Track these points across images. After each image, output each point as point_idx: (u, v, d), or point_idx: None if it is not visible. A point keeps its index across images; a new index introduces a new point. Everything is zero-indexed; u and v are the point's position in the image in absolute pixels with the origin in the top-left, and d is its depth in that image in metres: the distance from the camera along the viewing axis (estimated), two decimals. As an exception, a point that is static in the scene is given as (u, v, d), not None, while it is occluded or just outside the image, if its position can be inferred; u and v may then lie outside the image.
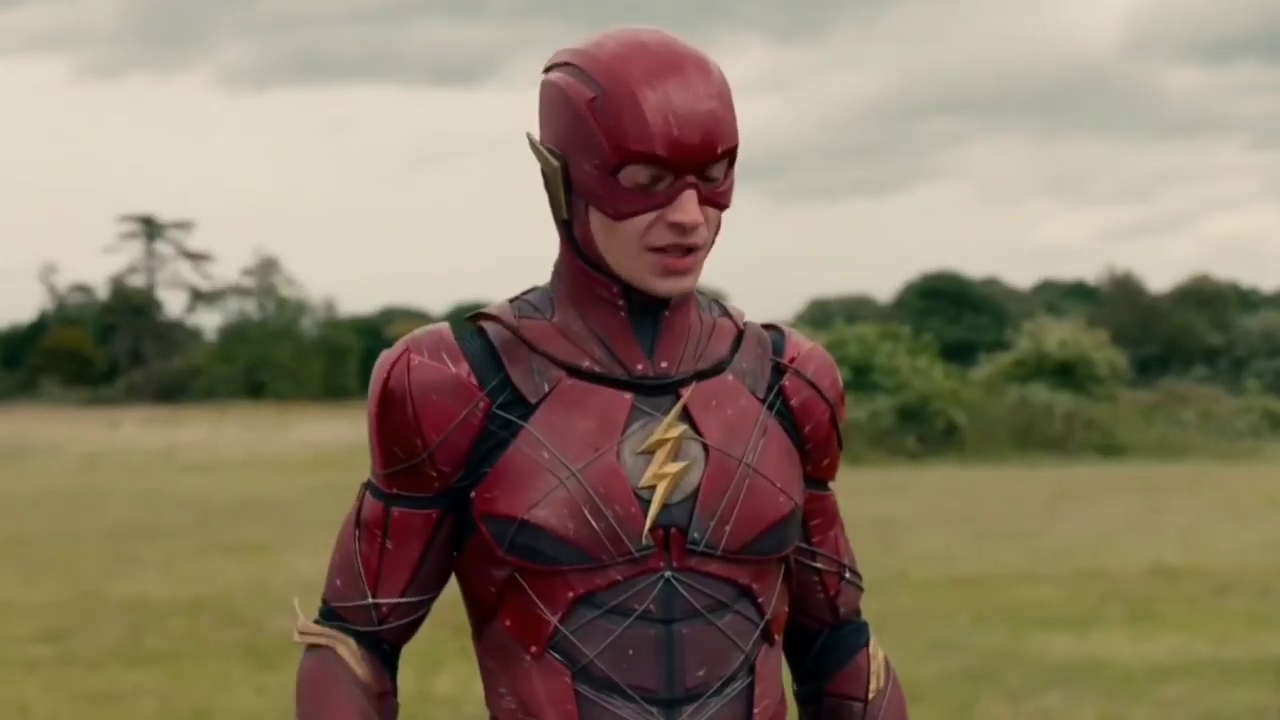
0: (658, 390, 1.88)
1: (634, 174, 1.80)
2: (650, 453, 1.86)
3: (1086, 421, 31.88)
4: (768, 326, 2.01)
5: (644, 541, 1.85)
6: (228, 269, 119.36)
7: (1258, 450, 31.88)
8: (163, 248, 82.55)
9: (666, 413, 1.87)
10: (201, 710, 8.04)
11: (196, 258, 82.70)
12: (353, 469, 17.30)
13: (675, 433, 1.86)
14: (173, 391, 70.88)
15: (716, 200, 1.84)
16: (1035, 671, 8.87)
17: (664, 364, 1.89)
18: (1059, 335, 34.96)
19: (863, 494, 20.59)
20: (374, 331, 67.96)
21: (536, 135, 1.89)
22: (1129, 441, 31.49)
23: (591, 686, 1.87)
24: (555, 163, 1.85)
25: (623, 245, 1.83)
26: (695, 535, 1.86)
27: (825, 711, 2.09)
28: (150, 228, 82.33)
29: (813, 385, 1.96)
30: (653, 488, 1.85)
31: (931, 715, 7.80)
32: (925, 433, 30.58)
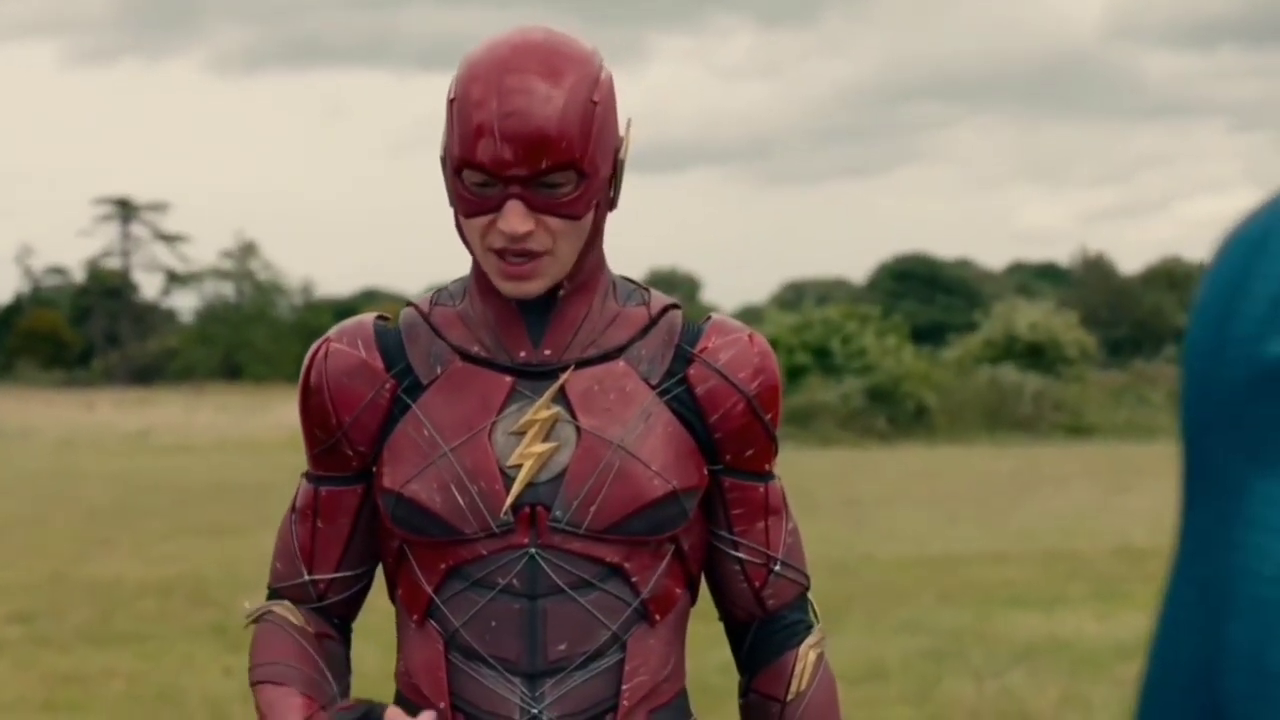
0: (540, 375, 1.96)
1: (469, 177, 1.88)
2: (522, 433, 1.95)
3: (1055, 402, 31.99)
4: (707, 319, 2.05)
5: (504, 517, 1.93)
6: (206, 252, 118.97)
7: (1227, 431, 31.90)
8: (138, 230, 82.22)
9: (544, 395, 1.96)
10: (169, 690, 8.08)
11: (172, 240, 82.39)
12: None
13: (546, 414, 1.95)
14: (148, 374, 70.72)
15: (558, 210, 1.88)
16: (1000, 650, 8.94)
17: (548, 351, 1.97)
18: (1029, 317, 35.04)
19: (832, 475, 20.67)
20: (352, 314, 67.60)
21: None
22: (1098, 422, 31.62)
23: (461, 655, 1.97)
24: (441, 152, 1.95)
25: (473, 241, 1.93)
26: (558, 514, 1.94)
27: (751, 706, 2.13)
28: (125, 210, 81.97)
29: (721, 374, 1.99)
30: (519, 466, 1.94)
31: (895, 694, 7.87)
32: (895, 414, 30.65)
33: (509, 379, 1.96)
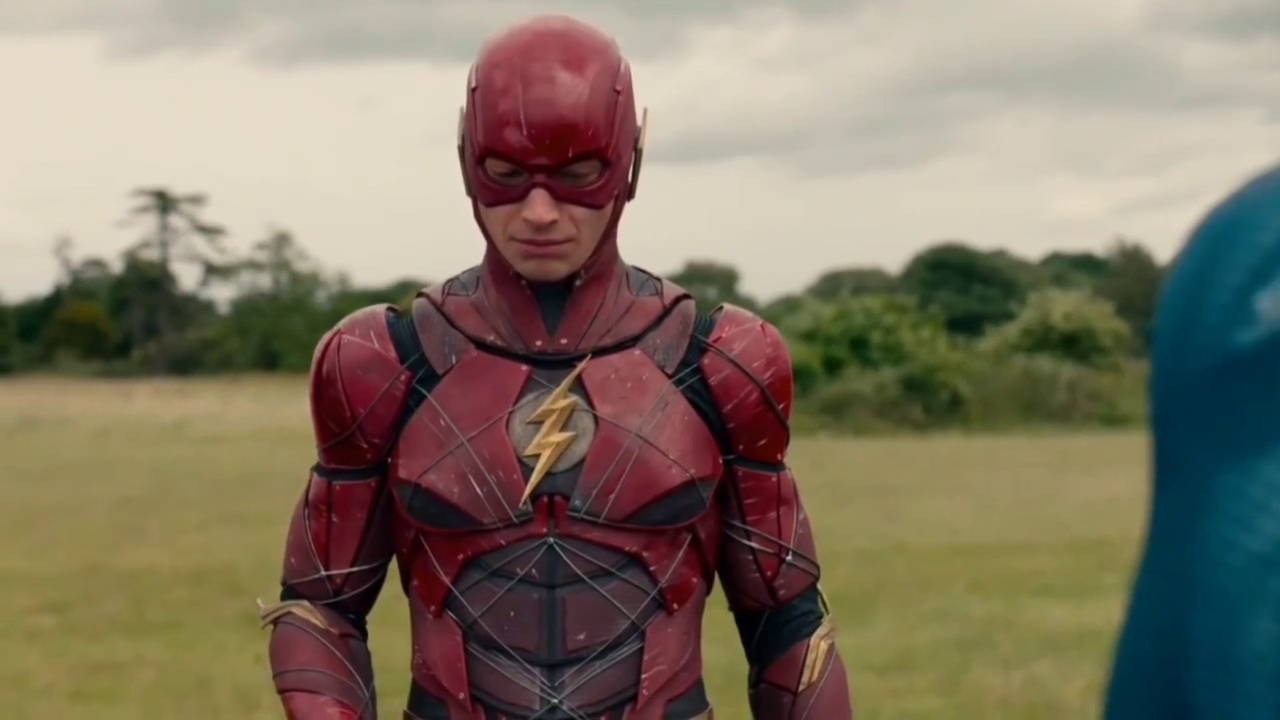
0: (556, 364, 1.95)
1: (493, 166, 1.87)
2: (539, 423, 1.93)
3: (1090, 392, 31.87)
4: (719, 310, 2.05)
5: (523, 507, 1.92)
6: (244, 243, 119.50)
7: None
8: (176, 221, 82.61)
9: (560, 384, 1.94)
10: (199, 679, 8.11)
11: (210, 231, 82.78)
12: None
13: (564, 403, 1.93)
14: (186, 364, 71.12)
15: (581, 199, 1.87)
16: (1028, 639, 8.91)
17: (564, 340, 1.95)
18: (1064, 307, 34.91)
19: (866, 465, 20.65)
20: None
21: None
22: (1132, 412, 31.47)
23: (480, 646, 1.95)
24: (459, 141, 1.93)
25: (494, 230, 1.91)
26: (576, 503, 1.92)
27: (761, 697, 2.13)
28: (163, 201, 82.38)
29: (736, 364, 1.99)
30: (538, 456, 1.92)
31: (924, 683, 7.85)
32: (930, 404, 30.60)
33: (525, 368, 1.94)
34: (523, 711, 1.93)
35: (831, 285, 61.12)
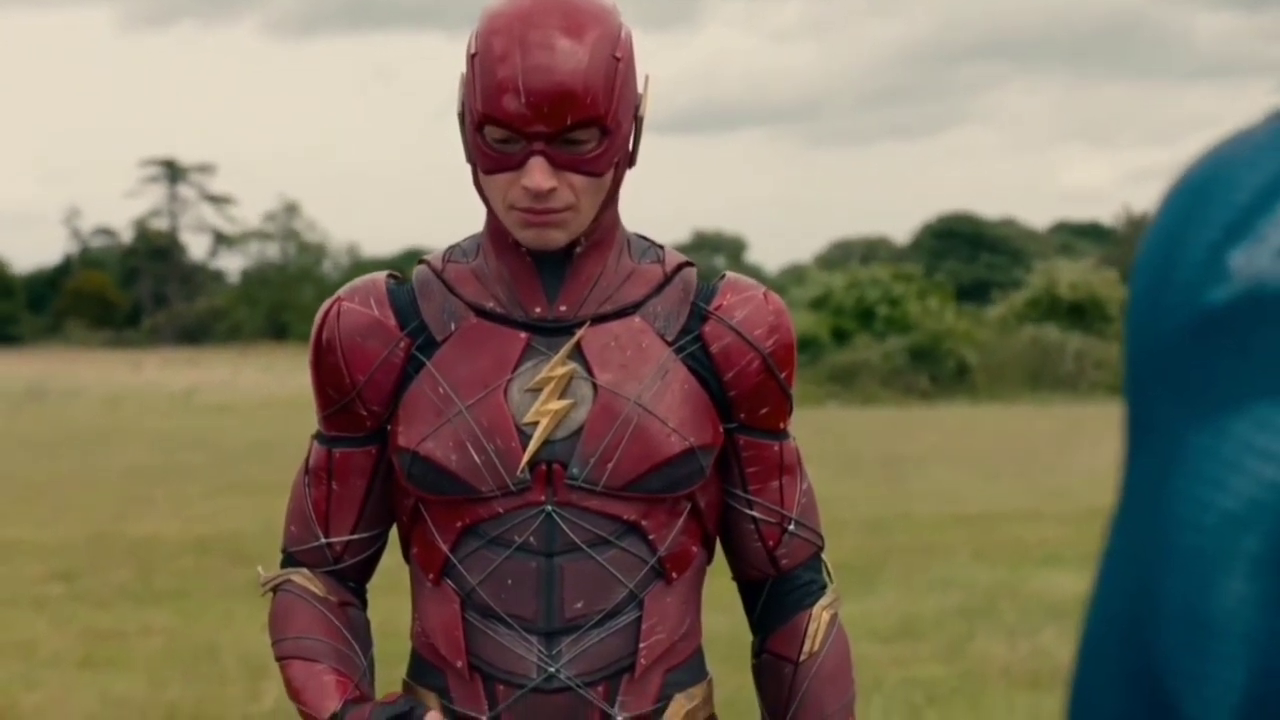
0: (555, 332, 1.94)
1: (491, 133, 1.86)
2: (538, 390, 1.92)
3: (1097, 361, 31.87)
4: (720, 277, 2.03)
5: (520, 475, 1.91)
6: (253, 213, 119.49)
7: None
8: (186, 191, 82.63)
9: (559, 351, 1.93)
10: (207, 647, 8.13)
11: (219, 201, 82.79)
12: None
13: (562, 371, 1.92)
14: (195, 334, 71.24)
15: (580, 167, 1.86)
16: (1033, 608, 8.92)
17: (563, 307, 1.94)
18: (1070, 276, 34.87)
19: (873, 433, 20.66)
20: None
21: None
22: (1140, 381, 31.45)
23: (478, 614, 1.94)
24: (459, 108, 1.91)
25: (494, 198, 1.90)
26: (574, 471, 1.91)
27: (763, 667, 2.12)
28: (172, 171, 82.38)
29: (737, 332, 1.98)
30: (536, 423, 1.91)
31: (928, 651, 7.86)
32: (937, 372, 30.61)
33: (524, 335, 1.94)
34: (520, 680, 1.92)
35: (839, 254, 61.06)
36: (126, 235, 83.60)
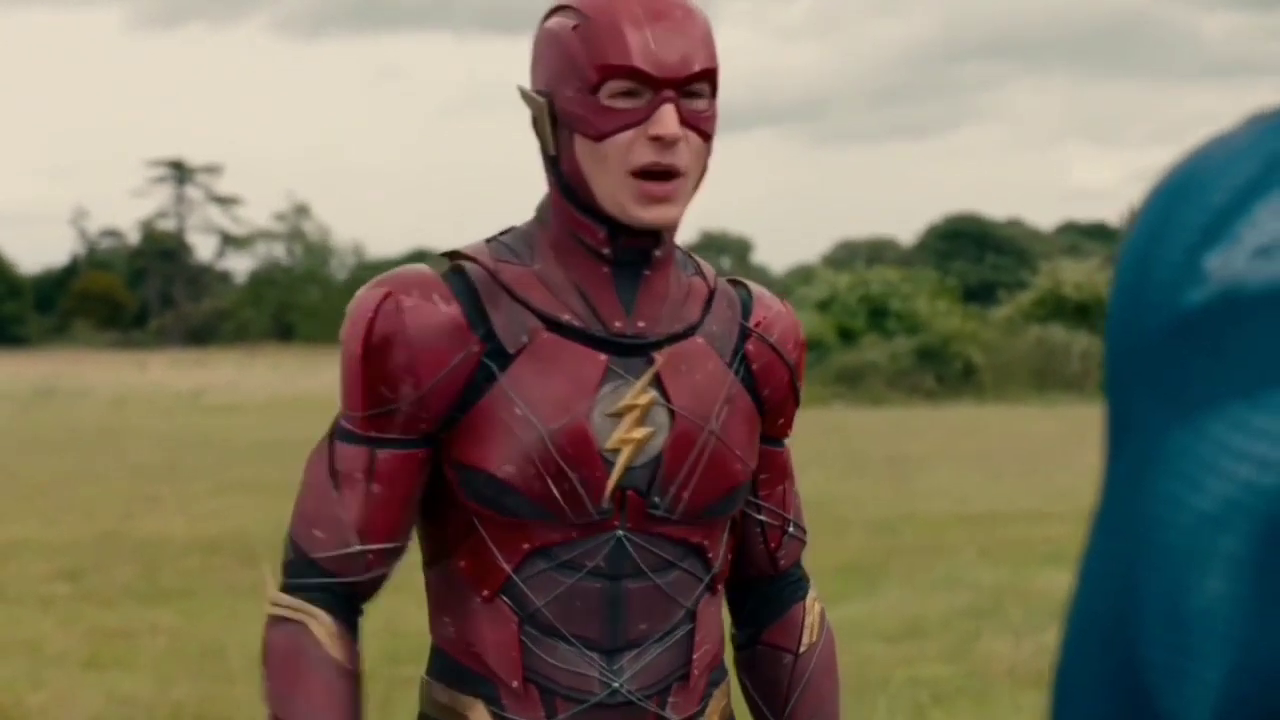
0: (632, 350, 1.90)
1: (614, 88, 1.82)
2: (619, 415, 1.89)
3: (1103, 361, 31.85)
4: (735, 283, 2.04)
5: (604, 505, 1.89)
6: (260, 214, 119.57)
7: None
8: (193, 192, 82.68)
9: (638, 374, 1.90)
10: (212, 647, 8.14)
11: (226, 202, 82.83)
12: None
13: (645, 399, 1.90)
14: (202, 334, 71.30)
15: (698, 124, 1.85)
16: (1039, 608, 8.91)
17: (641, 323, 1.91)
18: (1075, 276, 34.84)
19: (879, 434, 20.65)
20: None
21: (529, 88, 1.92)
22: (1146, 381, 31.41)
23: (538, 631, 1.90)
24: (541, 100, 1.87)
25: (606, 169, 1.83)
26: (655, 500, 1.90)
27: (758, 658, 2.15)
28: (179, 172, 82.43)
29: (775, 350, 2.00)
30: (618, 451, 1.88)
31: (933, 650, 7.87)
32: (944, 373, 30.60)
33: (603, 357, 1.89)
34: (582, 695, 1.91)
35: (845, 255, 61.05)
36: (133, 236, 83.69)
